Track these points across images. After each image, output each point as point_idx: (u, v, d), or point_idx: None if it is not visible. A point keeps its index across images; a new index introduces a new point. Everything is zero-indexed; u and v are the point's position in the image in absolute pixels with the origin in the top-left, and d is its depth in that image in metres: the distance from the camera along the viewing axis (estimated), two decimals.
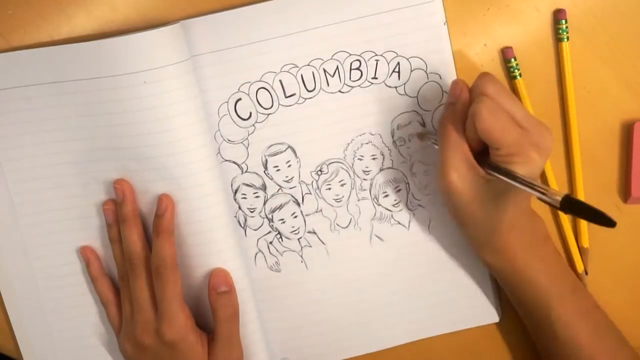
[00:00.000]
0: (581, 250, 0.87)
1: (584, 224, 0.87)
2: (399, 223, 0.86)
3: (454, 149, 0.76)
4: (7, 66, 0.79)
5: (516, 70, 0.83)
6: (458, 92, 0.77)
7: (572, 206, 0.64)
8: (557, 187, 0.86)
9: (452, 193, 0.76)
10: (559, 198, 0.64)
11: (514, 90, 0.84)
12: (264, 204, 0.85)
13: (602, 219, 0.62)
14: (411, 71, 0.82)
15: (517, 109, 0.75)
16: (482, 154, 0.76)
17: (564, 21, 0.83)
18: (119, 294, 0.84)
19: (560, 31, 0.83)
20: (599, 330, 0.82)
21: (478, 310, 0.87)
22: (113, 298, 0.85)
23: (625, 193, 0.87)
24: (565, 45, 0.83)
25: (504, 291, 0.84)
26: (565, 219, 0.86)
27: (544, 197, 0.66)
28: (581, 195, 0.86)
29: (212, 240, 0.81)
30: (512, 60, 0.83)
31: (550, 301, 0.80)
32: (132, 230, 0.81)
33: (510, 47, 0.83)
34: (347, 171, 0.84)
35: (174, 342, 0.79)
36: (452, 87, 0.78)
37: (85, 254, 0.84)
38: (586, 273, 0.87)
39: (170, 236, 0.79)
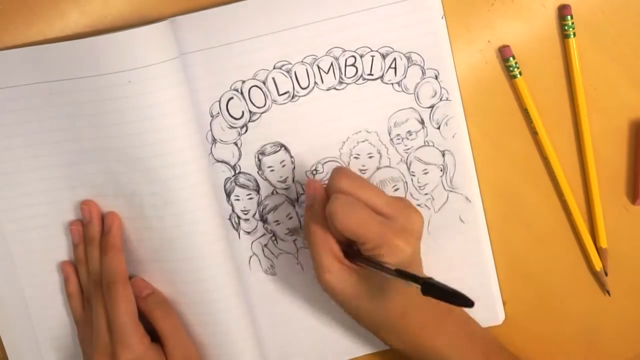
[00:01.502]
0: (599, 251, 0.86)
1: (601, 225, 0.85)
2: None
3: (322, 250, 0.75)
4: None
5: (515, 69, 0.82)
6: (312, 192, 0.77)
7: (433, 290, 0.64)
8: (571, 190, 0.84)
9: (332, 294, 0.76)
10: (419, 284, 0.65)
11: (515, 90, 0.83)
12: (258, 205, 0.83)
13: (461, 300, 0.63)
14: (408, 67, 0.81)
15: (376, 198, 0.74)
16: (353, 248, 0.76)
17: (569, 17, 0.81)
18: None
19: (566, 27, 0.82)
20: None
21: (481, 311, 0.84)
22: (85, 318, 0.83)
23: (633, 194, 0.85)
24: (571, 41, 0.82)
25: None
26: (580, 219, 0.85)
27: (410, 283, 0.67)
28: (597, 199, 0.84)
29: (201, 243, 0.80)
30: (511, 59, 0.82)
31: None
32: (98, 252, 0.81)
33: (508, 46, 0.82)
34: None
35: None
36: (306, 188, 0.79)
37: (65, 269, 0.83)
38: (606, 274, 0.86)
39: (119, 252, 0.80)
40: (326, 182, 0.80)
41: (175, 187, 0.78)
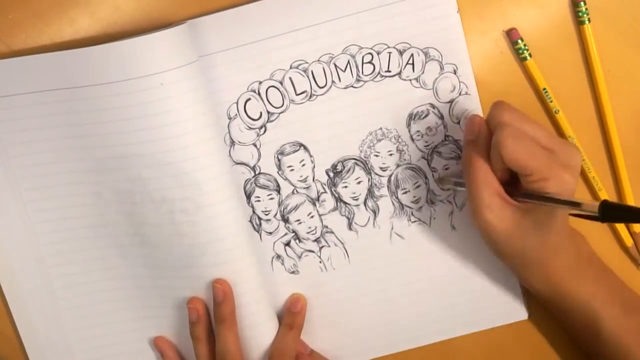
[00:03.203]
0: (633, 235, 0.85)
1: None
2: (419, 220, 0.84)
3: (483, 187, 0.75)
4: (15, 71, 0.78)
5: (525, 51, 0.81)
6: (477, 128, 0.76)
7: (612, 211, 0.64)
8: (599, 178, 0.84)
9: (490, 232, 0.75)
10: (598, 207, 0.64)
11: (526, 73, 0.82)
12: (279, 205, 0.83)
13: None
14: (425, 62, 0.81)
15: (540, 132, 0.74)
16: (511, 184, 0.75)
17: (582, 3, 0.81)
18: None
19: (580, 14, 0.81)
20: None
21: (505, 307, 0.85)
22: None
23: None
24: (587, 27, 0.81)
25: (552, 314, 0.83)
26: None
27: (582, 210, 0.67)
28: (628, 189, 0.84)
29: (227, 248, 0.79)
30: (519, 41, 0.81)
31: (600, 324, 0.78)
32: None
33: (515, 29, 0.81)
34: (363, 168, 0.82)
35: None
36: (468, 124, 0.77)
37: (160, 345, 0.85)
38: None
39: (233, 326, 0.80)
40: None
41: (207, 190, 0.77)
